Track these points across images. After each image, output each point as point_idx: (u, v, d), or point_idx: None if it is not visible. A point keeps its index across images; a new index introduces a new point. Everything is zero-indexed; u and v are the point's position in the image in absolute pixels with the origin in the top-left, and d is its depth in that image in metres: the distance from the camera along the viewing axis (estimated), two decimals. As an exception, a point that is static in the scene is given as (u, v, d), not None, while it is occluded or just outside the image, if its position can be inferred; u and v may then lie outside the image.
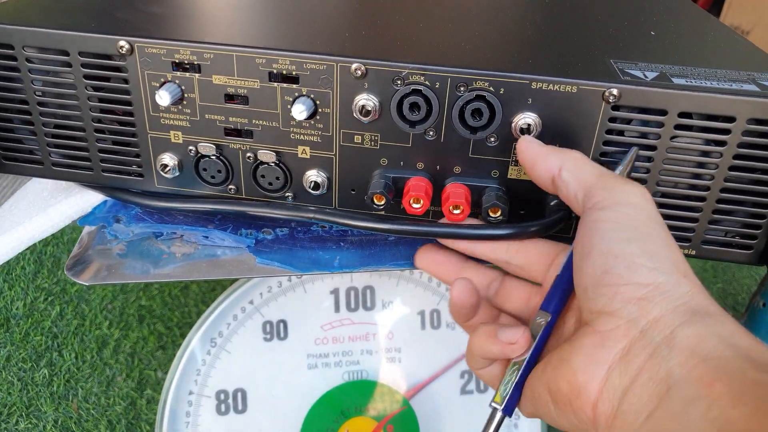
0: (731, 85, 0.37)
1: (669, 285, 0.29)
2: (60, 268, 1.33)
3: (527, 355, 0.34)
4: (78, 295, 1.27)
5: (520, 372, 0.34)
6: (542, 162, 0.36)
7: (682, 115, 0.37)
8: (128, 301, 1.27)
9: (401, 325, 0.67)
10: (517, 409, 0.35)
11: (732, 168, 0.38)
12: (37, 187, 0.53)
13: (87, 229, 0.49)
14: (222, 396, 0.65)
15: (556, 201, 0.40)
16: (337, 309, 0.66)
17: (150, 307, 1.26)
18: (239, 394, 0.65)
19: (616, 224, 0.31)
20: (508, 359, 0.35)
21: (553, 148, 0.36)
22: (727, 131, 0.37)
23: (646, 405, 0.27)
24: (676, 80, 0.38)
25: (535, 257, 0.39)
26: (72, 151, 0.45)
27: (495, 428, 0.35)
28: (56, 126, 0.44)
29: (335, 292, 0.65)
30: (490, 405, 0.35)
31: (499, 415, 0.34)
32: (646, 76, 0.38)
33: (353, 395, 0.66)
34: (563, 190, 0.35)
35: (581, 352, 0.30)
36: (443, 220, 0.42)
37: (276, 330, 0.65)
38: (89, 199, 0.50)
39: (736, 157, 0.38)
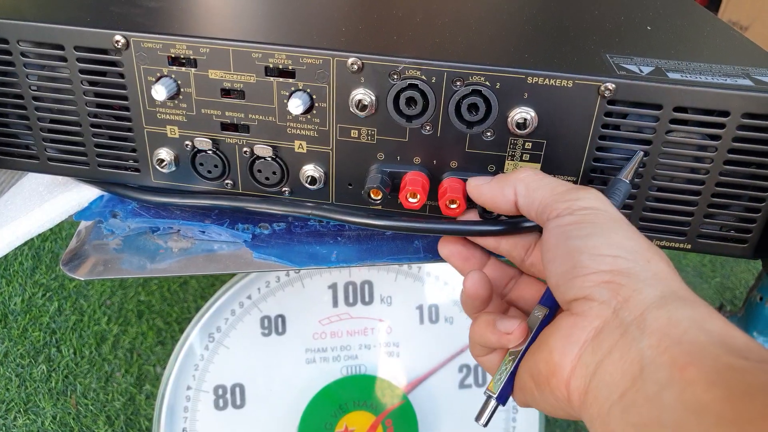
0: (726, 80, 0.37)
1: (634, 269, 0.30)
2: (58, 264, 1.34)
3: (523, 347, 0.34)
4: (76, 291, 1.27)
5: (515, 362, 0.34)
6: (500, 198, 0.37)
7: (677, 109, 0.37)
8: (127, 297, 1.27)
9: (400, 319, 0.67)
10: (515, 402, 0.36)
11: (727, 162, 0.38)
12: (33, 182, 0.53)
13: (83, 224, 0.49)
14: (220, 391, 0.65)
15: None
16: (335, 304, 0.66)
17: (149, 302, 1.26)
18: (237, 389, 0.66)
19: (577, 225, 0.32)
20: (506, 349, 0.36)
21: (501, 179, 0.38)
22: (721, 125, 0.37)
23: (618, 383, 0.27)
24: (671, 75, 0.38)
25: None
26: (68, 146, 0.45)
27: (488, 416, 0.35)
28: (52, 121, 0.44)
29: (333, 286, 0.65)
30: (485, 392, 0.35)
31: (493, 402, 0.35)
32: (641, 71, 0.38)
33: (352, 390, 0.67)
34: (525, 212, 0.37)
35: (558, 333, 0.31)
36: (446, 222, 0.42)
37: (274, 325, 0.65)
38: (86, 194, 0.50)
39: (731, 151, 0.38)
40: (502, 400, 0.35)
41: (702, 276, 1.39)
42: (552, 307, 0.35)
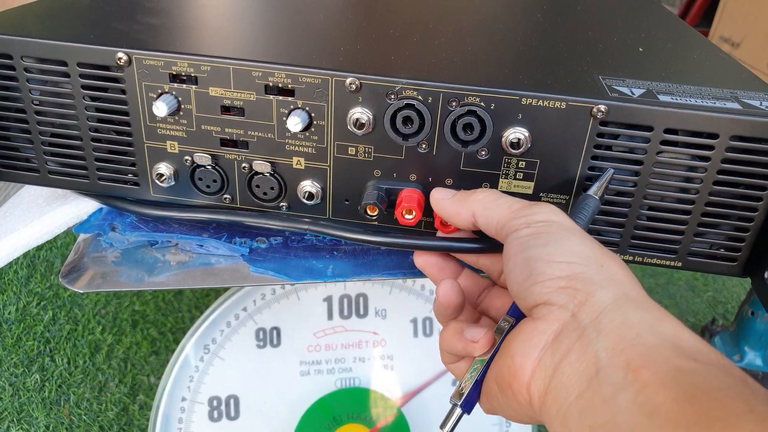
0: (715, 103, 0.38)
1: (587, 273, 0.31)
2: (53, 273, 1.34)
3: (489, 355, 0.35)
4: (71, 300, 1.27)
5: (481, 371, 0.35)
6: (457, 217, 0.39)
7: (667, 131, 0.38)
8: (122, 306, 1.27)
9: (394, 332, 0.67)
10: (481, 409, 0.36)
11: (716, 183, 0.39)
12: (32, 193, 0.53)
13: (82, 236, 0.50)
14: (215, 402, 0.66)
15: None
16: (330, 316, 0.66)
17: (143, 312, 1.26)
18: (232, 401, 0.66)
19: (533, 236, 0.34)
20: (473, 357, 0.37)
21: (460, 199, 0.39)
22: (711, 147, 0.38)
23: (575, 384, 0.28)
24: (662, 97, 0.39)
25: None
26: (69, 160, 0.46)
27: (453, 424, 0.36)
28: (53, 135, 0.45)
29: (328, 299, 0.66)
30: (450, 400, 0.36)
31: (457, 411, 0.36)
32: (633, 93, 0.39)
33: (345, 402, 0.67)
34: (484, 230, 0.38)
35: (519, 337, 0.32)
36: (439, 234, 0.43)
37: (269, 337, 0.66)
38: (84, 206, 0.50)
39: (720, 172, 0.39)
40: (467, 407, 0.35)
41: (694, 290, 1.40)
42: (518, 317, 0.36)
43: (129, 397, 1.10)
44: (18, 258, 1.34)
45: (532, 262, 0.32)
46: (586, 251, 0.32)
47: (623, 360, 0.27)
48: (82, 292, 0.45)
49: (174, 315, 1.26)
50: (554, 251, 0.32)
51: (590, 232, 0.42)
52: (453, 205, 0.39)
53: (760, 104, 0.39)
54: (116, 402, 1.09)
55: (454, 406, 0.36)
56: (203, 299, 1.30)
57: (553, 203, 0.41)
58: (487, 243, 0.41)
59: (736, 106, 0.38)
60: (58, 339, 1.18)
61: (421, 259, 0.43)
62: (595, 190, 0.39)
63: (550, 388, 0.30)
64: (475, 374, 0.35)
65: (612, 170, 0.39)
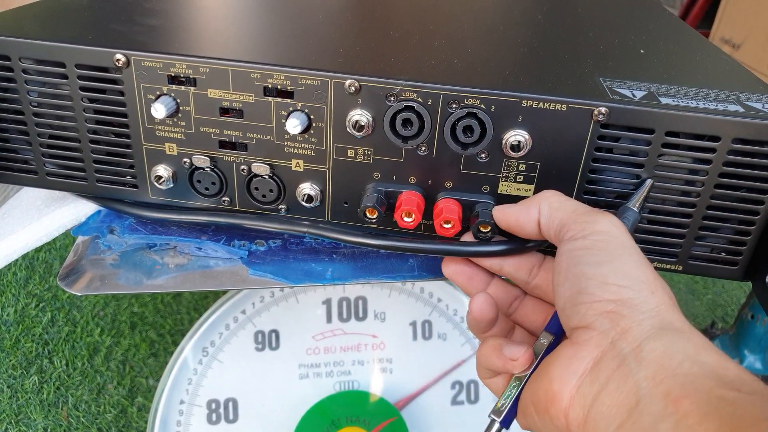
0: (716, 105, 0.38)
1: (637, 300, 0.31)
2: (52, 275, 1.33)
3: (528, 372, 0.35)
4: (70, 302, 1.26)
5: (520, 388, 0.35)
6: (524, 217, 0.38)
7: (669, 134, 0.38)
8: (120, 308, 1.26)
9: (393, 335, 0.67)
10: (518, 425, 0.36)
11: (718, 186, 0.39)
12: (31, 195, 0.53)
13: (80, 238, 0.49)
14: (213, 405, 0.65)
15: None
16: (329, 319, 0.66)
17: (142, 314, 1.26)
18: (230, 404, 0.66)
19: (588, 250, 0.33)
20: (511, 374, 0.36)
21: (526, 200, 0.38)
22: (712, 150, 0.38)
23: (615, 415, 0.28)
24: (663, 99, 0.38)
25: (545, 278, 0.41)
26: (67, 162, 0.46)
27: None
28: (51, 136, 0.45)
29: (327, 302, 0.66)
30: (489, 416, 0.36)
31: (496, 426, 0.35)
32: (634, 95, 0.39)
33: (344, 405, 0.67)
34: (545, 232, 0.37)
35: (558, 362, 0.32)
36: (443, 241, 0.43)
37: (268, 340, 0.65)
38: (83, 208, 0.50)
39: (722, 175, 0.39)
40: (506, 424, 0.35)
41: (694, 293, 1.40)
42: (557, 334, 0.36)
43: (127, 399, 1.09)
44: (17, 259, 1.34)
45: (584, 279, 0.32)
46: (640, 275, 0.32)
47: (663, 390, 0.27)
48: (80, 294, 0.45)
49: (173, 317, 1.26)
50: (607, 272, 0.32)
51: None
52: (519, 209, 0.38)
53: (763, 107, 0.38)
54: (114, 404, 1.08)
55: (493, 421, 0.36)
56: (202, 301, 1.30)
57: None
58: (506, 245, 0.40)
59: (738, 108, 0.38)
60: (57, 341, 1.18)
61: (450, 269, 0.43)
62: (634, 202, 0.38)
63: (589, 418, 0.29)
64: (515, 392, 0.35)
65: (651, 180, 0.39)
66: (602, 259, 0.32)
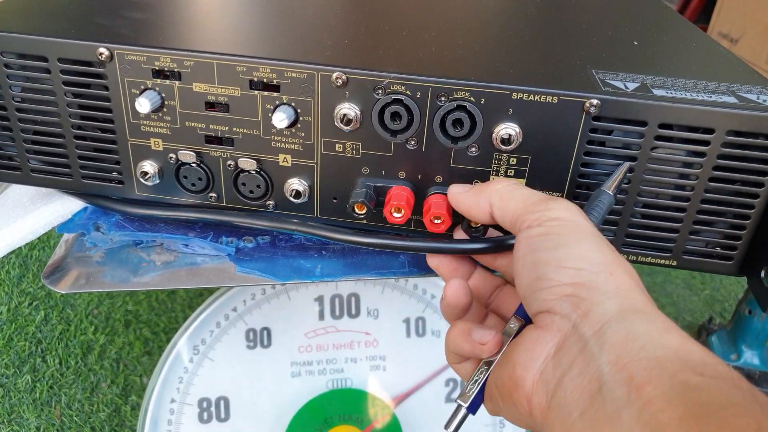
0: (711, 97, 0.37)
1: (595, 282, 0.30)
2: (45, 273, 1.33)
3: (497, 357, 0.34)
4: (63, 300, 1.26)
5: (488, 373, 0.34)
6: (476, 208, 0.38)
7: (662, 126, 0.37)
8: (114, 306, 1.26)
9: (386, 332, 0.66)
10: (486, 410, 0.36)
11: (712, 179, 0.38)
12: (17, 192, 0.52)
13: (66, 236, 0.49)
14: (204, 404, 0.65)
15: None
16: (321, 317, 0.65)
17: (136, 312, 1.25)
18: (222, 402, 0.65)
19: (544, 236, 0.33)
20: (479, 358, 0.36)
21: (477, 190, 0.38)
22: (706, 143, 0.37)
23: (578, 401, 0.27)
24: (656, 91, 0.38)
25: None
26: (51, 158, 0.45)
27: (457, 424, 0.35)
28: (35, 132, 0.44)
29: (320, 299, 0.65)
30: (456, 400, 0.35)
31: (462, 411, 0.35)
32: (626, 87, 0.38)
33: (337, 403, 0.66)
34: (500, 223, 0.37)
35: (521, 347, 0.31)
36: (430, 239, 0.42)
37: (259, 338, 0.65)
38: (69, 205, 0.49)
39: (716, 168, 0.38)
40: (472, 409, 0.35)
41: (691, 288, 1.39)
42: (527, 319, 0.35)
43: (121, 397, 1.09)
44: (10, 258, 1.33)
45: (541, 265, 0.32)
46: (597, 257, 0.31)
47: (626, 375, 0.26)
48: (65, 292, 0.44)
49: (167, 315, 1.25)
50: (563, 255, 0.31)
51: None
52: (470, 198, 0.38)
53: (758, 98, 0.38)
54: (108, 403, 1.08)
55: (459, 406, 0.35)
56: (197, 299, 1.29)
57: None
58: (492, 243, 0.40)
59: (732, 100, 0.37)
60: (50, 339, 1.17)
61: (435, 260, 0.42)
62: (608, 185, 0.38)
63: (552, 404, 0.29)
64: (482, 377, 0.35)
65: (627, 163, 0.38)
66: (558, 243, 0.32)
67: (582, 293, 0.30)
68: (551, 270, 0.31)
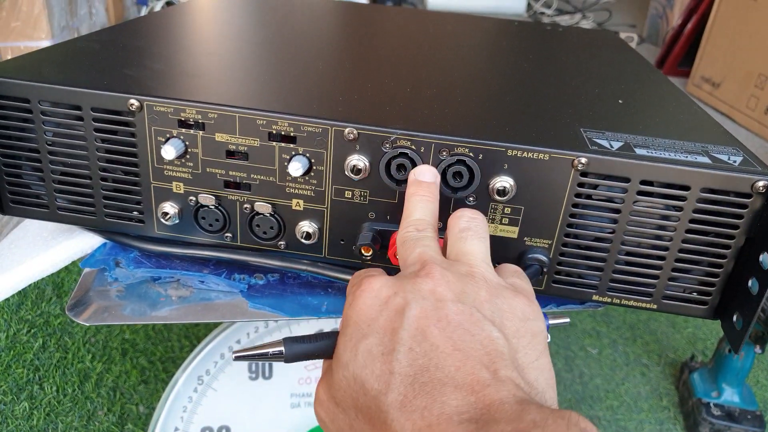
0: (687, 157, 0.41)
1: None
2: (44, 300, 1.34)
3: None
4: (61, 328, 1.27)
5: None
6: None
7: (643, 182, 0.41)
8: (111, 335, 1.27)
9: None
10: None
11: (688, 231, 0.42)
12: (37, 226, 0.55)
13: (87, 270, 0.51)
14: (207, 433, 0.67)
15: (531, 256, 0.44)
16: (321, 349, 0.68)
17: (133, 341, 1.27)
18: (224, 431, 0.67)
19: None
20: None
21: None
22: (683, 198, 0.41)
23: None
24: (638, 150, 0.42)
25: None
26: (77, 197, 0.48)
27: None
28: (63, 173, 0.47)
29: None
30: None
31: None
32: (611, 146, 0.42)
33: (334, 434, 0.68)
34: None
35: None
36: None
37: (261, 369, 0.67)
38: (89, 241, 0.52)
39: (692, 221, 0.42)
40: None
41: (675, 326, 1.43)
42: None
43: (117, 426, 1.10)
44: (9, 285, 1.35)
45: None
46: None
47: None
48: (87, 324, 0.47)
49: (164, 344, 1.27)
50: None
51: (570, 275, 0.45)
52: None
53: (728, 158, 0.42)
54: (105, 431, 1.09)
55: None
56: (192, 329, 1.31)
57: (536, 247, 0.44)
58: None
59: (706, 160, 0.41)
60: (48, 367, 1.19)
61: None
62: None
63: None
64: None
65: None
66: None
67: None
68: None
